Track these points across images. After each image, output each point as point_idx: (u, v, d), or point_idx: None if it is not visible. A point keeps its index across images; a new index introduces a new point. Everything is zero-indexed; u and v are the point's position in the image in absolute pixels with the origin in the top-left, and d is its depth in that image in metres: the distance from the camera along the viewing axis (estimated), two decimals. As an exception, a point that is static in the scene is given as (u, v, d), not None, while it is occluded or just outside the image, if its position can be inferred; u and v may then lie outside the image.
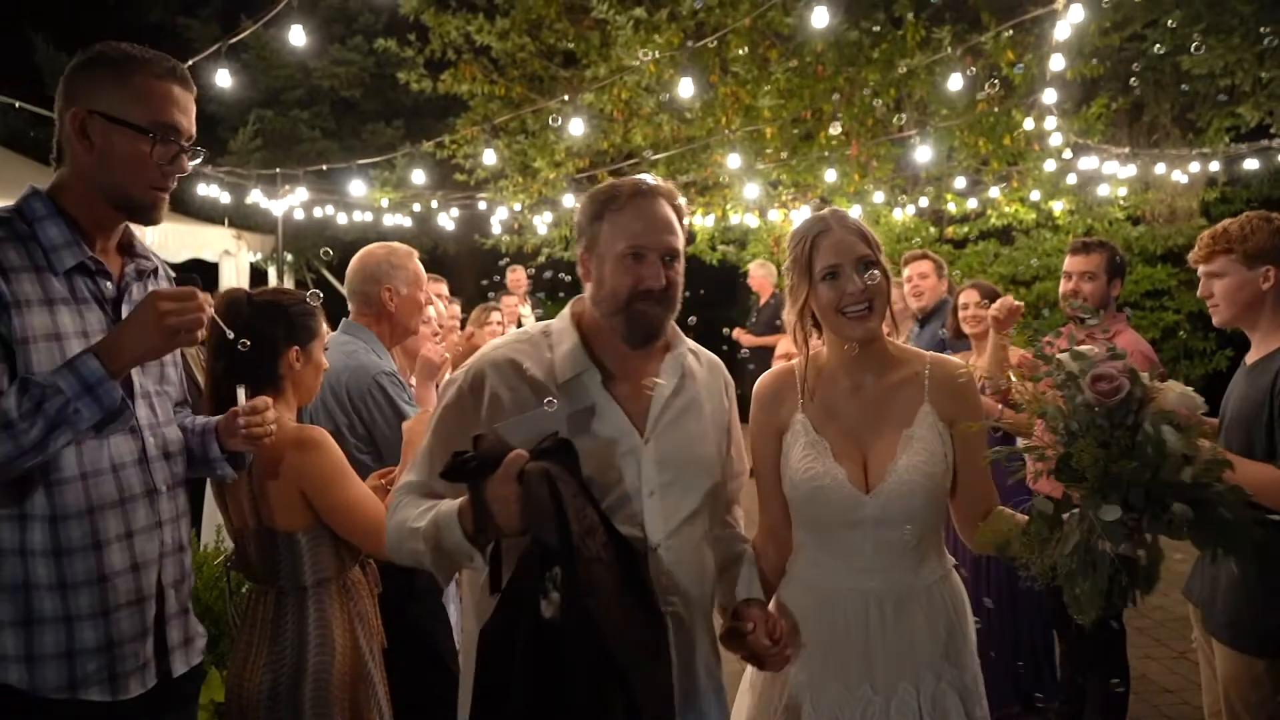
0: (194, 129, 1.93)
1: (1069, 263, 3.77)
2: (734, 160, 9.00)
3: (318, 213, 10.71)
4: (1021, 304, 3.64)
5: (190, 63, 5.44)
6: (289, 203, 10.07)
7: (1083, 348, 1.76)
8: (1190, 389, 1.71)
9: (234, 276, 9.35)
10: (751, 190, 9.72)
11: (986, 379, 3.44)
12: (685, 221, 1.93)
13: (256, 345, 2.19)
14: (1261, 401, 2.51)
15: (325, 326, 2.53)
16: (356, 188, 9.82)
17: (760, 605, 1.97)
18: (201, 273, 2.03)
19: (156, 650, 1.92)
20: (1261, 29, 7.75)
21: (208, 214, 10.24)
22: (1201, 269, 2.70)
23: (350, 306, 3.14)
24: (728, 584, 2.01)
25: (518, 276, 9.49)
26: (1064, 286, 3.79)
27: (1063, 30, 6.14)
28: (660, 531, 1.82)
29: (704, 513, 1.93)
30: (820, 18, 5.61)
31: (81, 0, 12.51)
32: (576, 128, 7.75)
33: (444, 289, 4.92)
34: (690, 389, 1.94)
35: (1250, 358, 2.68)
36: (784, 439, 2.09)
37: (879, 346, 2.07)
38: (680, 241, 1.88)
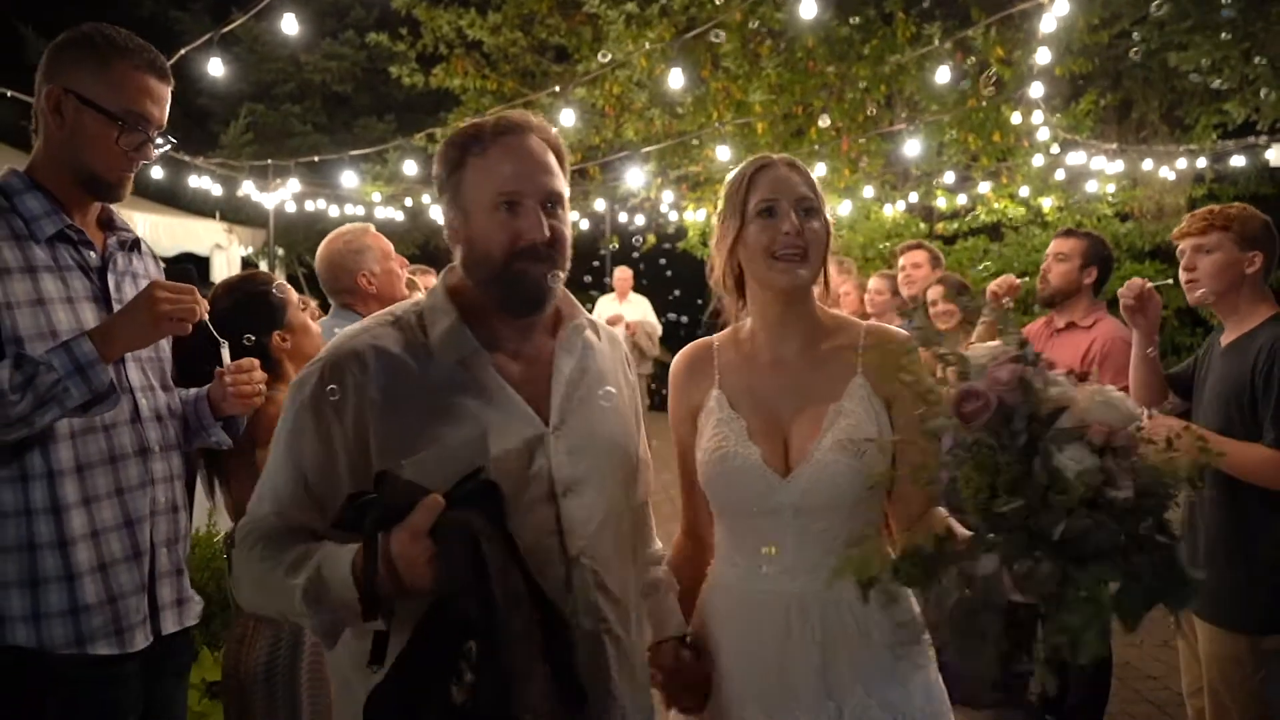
0: (165, 119, 1.99)
1: (1050, 245, 3.93)
2: (725, 154, 9.04)
3: (309, 206, 10.70)
4: (1019, 281, 3.75)
5: (180, 54, 5.45)
6: (280, 196, 10.07)
7: (985, 345, 1.41)
8: (1123, 395, 1.32)
9: (225, 270, 9.33)
10: (743, 185, 9.72)
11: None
12: (568, 165, 1.63)
13: (243, 349, 2.23)
14: (1243, 381, 2.55)
15: (291, 289, 2.56)
16: (348, 179, 9.81)
17: (673, 647, 1.75)
18: (193, 265, 2.09)
19: (150, 607, 1.96)
20: (1249, 26, 7.82)
21: (199, 207, 10.22)
22: (1190, 243, 2.74)
23: (332, 303, 3.17)
24: (650, 612, 1.77)
25: None
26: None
27: (1048, 23, 6.19)
28: (581, 537, 1.54)
29: (625, 509, 1.66)
30: (809, 9, 5.66)
31: (72, -7, 12.46)
32: (568, 119, 7.77)
33: (433, 280, 4.93)
34: (595, 364, 1.65)
35: (1225, 339, 2.72)
36: (698, 419, 1.84)
37: (808, 310, 1.81)
38: (562, 184, 1.58)
